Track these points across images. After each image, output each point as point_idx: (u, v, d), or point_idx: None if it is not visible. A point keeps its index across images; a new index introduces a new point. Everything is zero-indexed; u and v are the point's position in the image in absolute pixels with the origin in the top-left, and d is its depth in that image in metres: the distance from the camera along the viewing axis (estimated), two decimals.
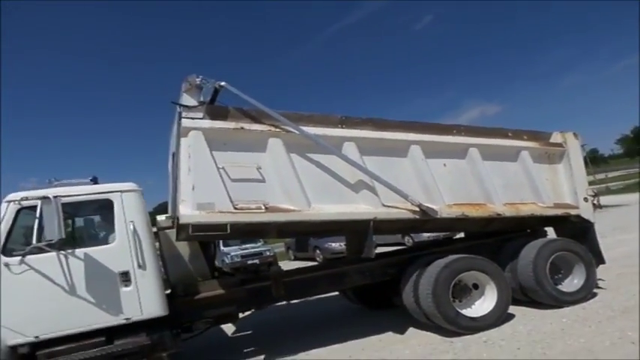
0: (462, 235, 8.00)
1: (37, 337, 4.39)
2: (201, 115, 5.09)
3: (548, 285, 6.09)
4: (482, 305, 5.83)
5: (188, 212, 4.75)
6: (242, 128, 5.23)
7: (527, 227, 7.17)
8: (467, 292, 5.95)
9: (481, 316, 5.68)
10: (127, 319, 4.67)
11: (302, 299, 7.12)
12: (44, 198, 4.27)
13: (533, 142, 6.96)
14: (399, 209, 5.62)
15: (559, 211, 6.78)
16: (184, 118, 5.00)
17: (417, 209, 5.61)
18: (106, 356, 4.55)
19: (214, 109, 5.26)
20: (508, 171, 6.63)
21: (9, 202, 4.58)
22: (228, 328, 7.65)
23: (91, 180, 5.25)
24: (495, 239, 6.88)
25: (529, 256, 6.19)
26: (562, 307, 6.07)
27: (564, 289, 6.28)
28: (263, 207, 5.10)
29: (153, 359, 4.80)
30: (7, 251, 4.48)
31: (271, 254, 16.76)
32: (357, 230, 5.74)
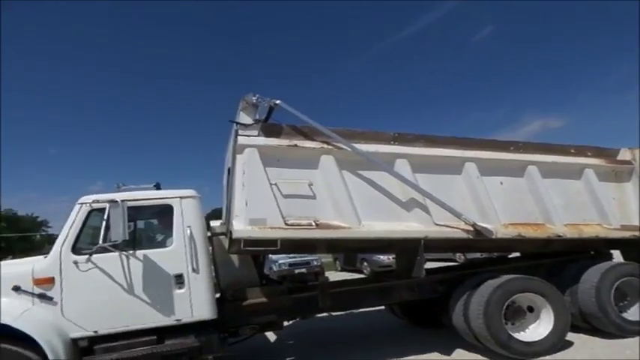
0: (517, 253, 7.65)
1: (96, 331, 4.57)
2: (256, 132, 5.21)
3: (612, 312, 5.70)
4: (537, 329, 5.54)
5: (241, 227, 4.87)
6: (295, 145, 5.31)
7: (591, 249, 6.76)
8: (521, 314, 5.68)
9: (536, 342, 5.39)
10: (177, 320, 4.79)
11: (347, 311, 7.07)
12: (113, 201, 4.50)
13: (598, 159, 6.59)
14: (452, 228, 5.48)
15: (626, 234, 6.34)
16: (240, 135, 5.14)
17: (471, 229, 5.46)
18: (156, 355, 4.65)
19: (269, 126, 5.38)
20: (570, 190, 6.31)
21: (82, 204, 4.86)
22: (271, 336, 7.72)
23: (154, 186, 5.54)
24: (554, 260, 6.52)
25: (592, 280, 5.83)
26: (626, 337, 5.66)
27: (630, 318, 5.86)
28: (313, 223, 5.12)
29: None
30: (77, 250, 4.73)
31: (318, 264, 16.73)
32: (407, 248, 5.64)
